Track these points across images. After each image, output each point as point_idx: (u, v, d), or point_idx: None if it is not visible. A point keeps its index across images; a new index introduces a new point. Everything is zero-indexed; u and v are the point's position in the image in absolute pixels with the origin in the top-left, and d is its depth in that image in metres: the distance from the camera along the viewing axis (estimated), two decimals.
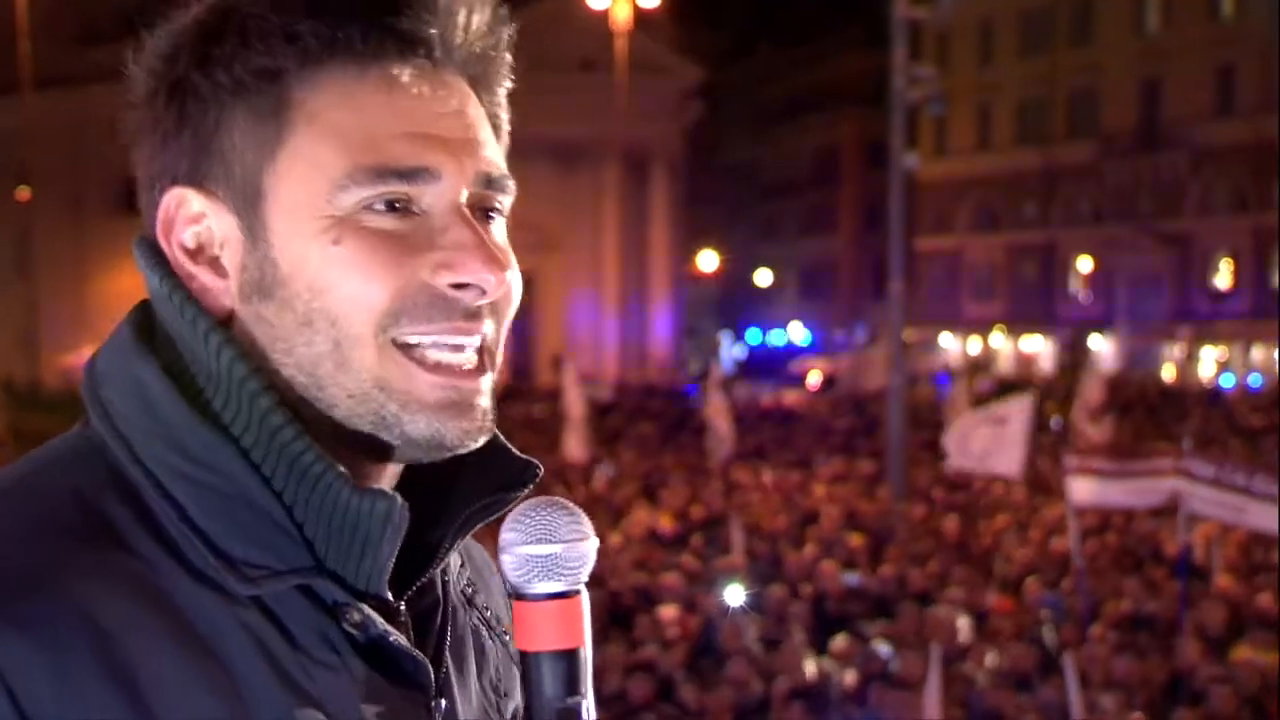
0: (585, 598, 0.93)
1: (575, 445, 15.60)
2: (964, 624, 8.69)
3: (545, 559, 0.91)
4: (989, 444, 12.44)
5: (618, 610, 9.38)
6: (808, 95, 56.30)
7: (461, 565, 1.07)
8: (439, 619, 1.00)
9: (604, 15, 33.99)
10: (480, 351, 0.94)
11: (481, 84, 0.99)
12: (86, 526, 0.86)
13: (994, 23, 46.26)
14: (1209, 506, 9.16)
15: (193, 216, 0.94)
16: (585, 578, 0.93)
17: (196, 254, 0.94)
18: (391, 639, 0.91)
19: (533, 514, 0.93)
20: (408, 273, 0.90)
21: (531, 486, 1.01)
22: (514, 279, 0.95)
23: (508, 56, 1.02)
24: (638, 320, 41.60)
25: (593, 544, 0.94)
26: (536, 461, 1.02)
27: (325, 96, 0.91)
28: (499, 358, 0.96)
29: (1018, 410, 12.63)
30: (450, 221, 0.92)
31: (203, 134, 0.92)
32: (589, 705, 0.92)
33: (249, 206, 0.92)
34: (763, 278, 59.42)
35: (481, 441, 0.94)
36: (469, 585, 1.07)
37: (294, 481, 0.90)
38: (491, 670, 1.05)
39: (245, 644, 0.86)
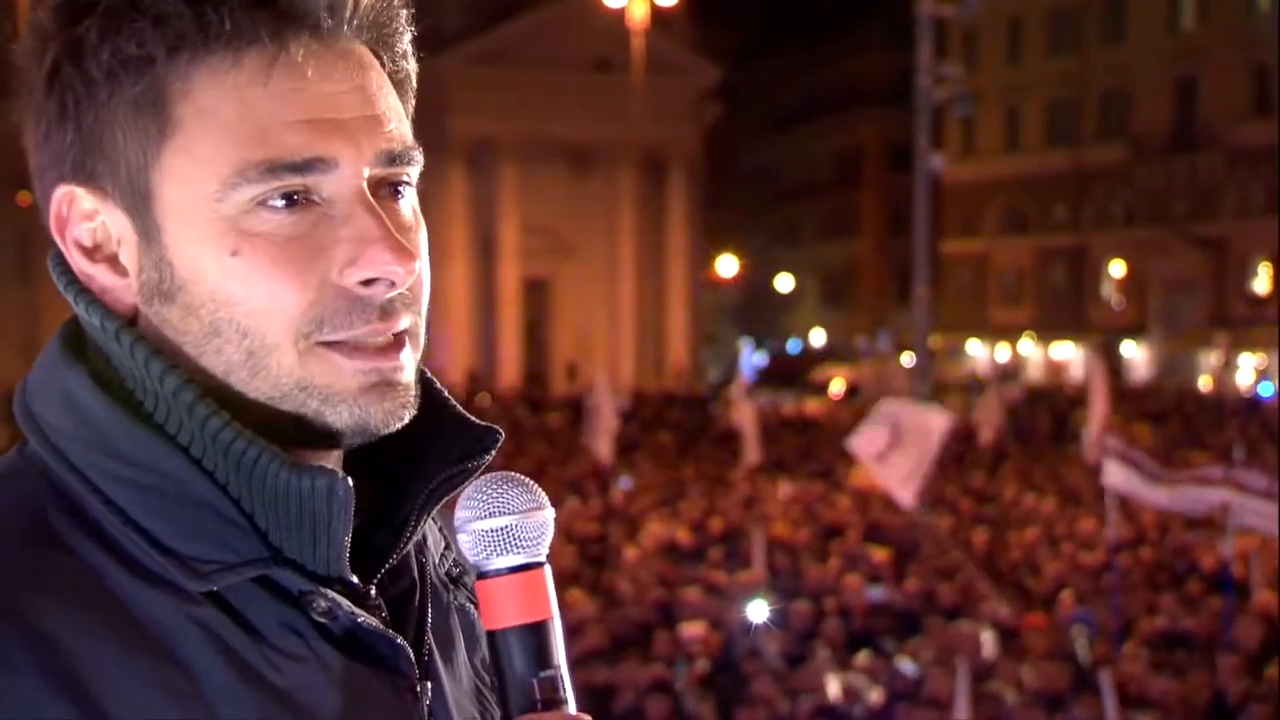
0: (548, 570, 0.92)
1: (604, 449, 15.58)
2: (989, 640, 8.64)
3: (501, 532, 0.91)
4: (890, 450, 11.29)
5: (635, 626, 9.35)
6: (829, 95, 56.26)
7: (446, 547, 1.07)
8: (416, 600, 0.99)
9: (620, 14, 34.03)
10: (398, 335, 0.93)
11: (381, 45, 0.95)
12: (27, 537, 0.86)
13: (1023, 20, 46.15)
14: (1260, 520, 9.06)
15: (85, 214, 0.92)
16: (545, 549, 0.93)
17: (93, 252, 0.92)
18: (362, 622, 0.90)
19: (484, 489, 0.93)
20: (317, 278, 0.89)
21: (493, 452, 1.00)
22: (422, 267, 0.93)
23: (402, 8, 0.96)
24: (654, 327, 41.57)
25: (549, 514, 0.93)
26: (497, 427, 1.01)
27: (205, 86, 0.88)
28: (421, 340, 0.95)
29: (933, 425, 11.38)
30: (352, 210, 0.90)
31: (84, 128, 0.89)
32: (564, 677, 0.91)
33: (139, 206, 0.90)
34: (783, 283, 59.35)
35: (406, 419, 0.93)
36: (455, 565, 1.06)
37: (233, 471, 0.89)
38: (483, 649, 1.03)
39: (203, 642, 0.85)
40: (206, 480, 0.89)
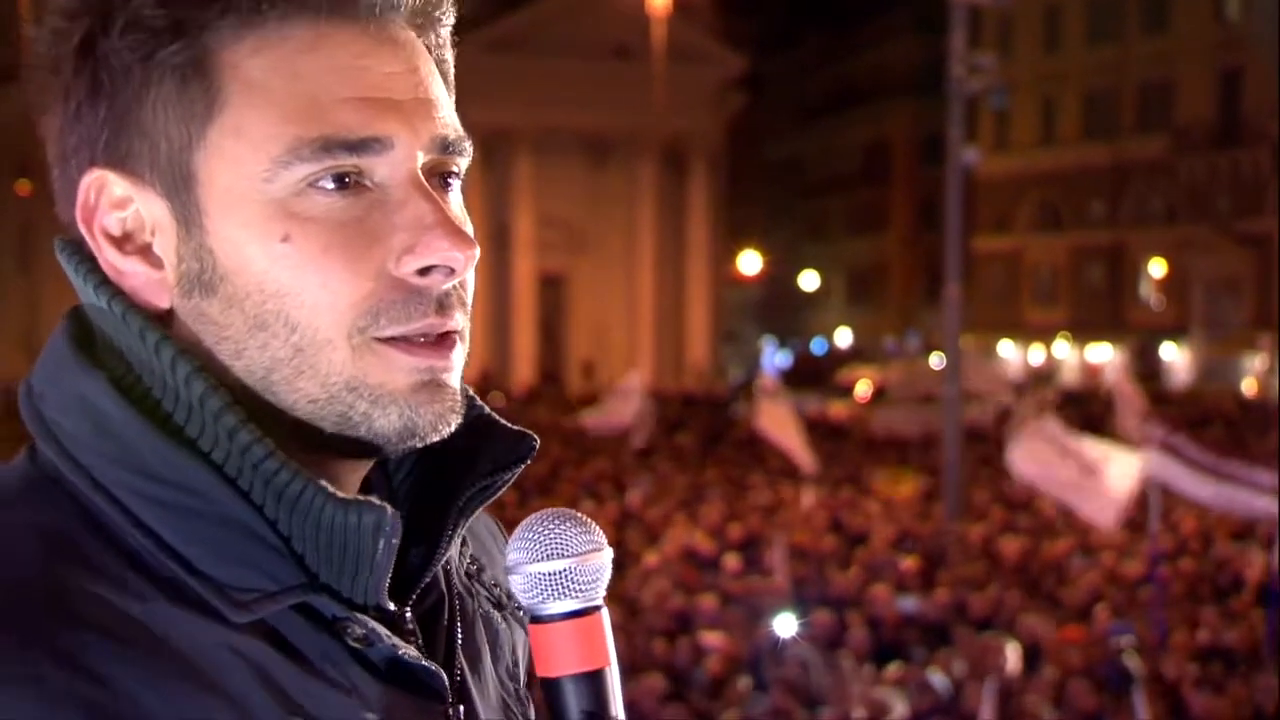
0: (605, 614, 0.91)
1: (640, 435, 15.61)
2: (1014, 653, 8.60)
3: (557, 575, 0.89)
4: (1076, 483, 11.49)
5: (655, 634, 9.35)
6: (857, 85, 56.18)
7: (463, 544, 1.04)
8: (445, 616, 0.97)
9: (640, 0, 34.05)
10: (449, 333, 0.91)
11: (427, 30, 0.94)
12: (57, 562, 0.81)
13: (1060, 7, 45.99)
14: None
15: (116, 201, 0.88)
16: (602, 592, 0.91)
17: (124, 242, 0.89)
18: (403, 654, 0.88)
19: (538, 528, 0.91)
20: (373, 267, 0.86)
21: (529, 460, 0.98)
22: (477, 253, 0.90)
23: None
24: (673, 325, 41.58)
25: (607, 555, 0.91)
26: (532, 434, 0.99)
27: (257, 59, 0.85)
28: (468, 341, 0.93)
29: (1120, 469, 11.04)
30: (408, 195, 0.87)
31: (119, 106, 0.86)
32: None
33: (179, 191, 0.87)
34: (808, 280, 59.29)
35: (454, 426, 0.91)
36: (472, 563, 1.04)
37: (272, 499, 0.85)
38: (507, 656, 1.02)
39: (247, 674, 0.82)
40: (241, 500, 0.85)
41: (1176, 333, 42.66)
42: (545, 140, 38.75)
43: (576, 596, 0.89)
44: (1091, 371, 44.83)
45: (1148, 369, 40.02)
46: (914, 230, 54.34)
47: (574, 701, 0.89)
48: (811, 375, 43.10)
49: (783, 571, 11.00)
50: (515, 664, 1.03)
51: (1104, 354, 45.16)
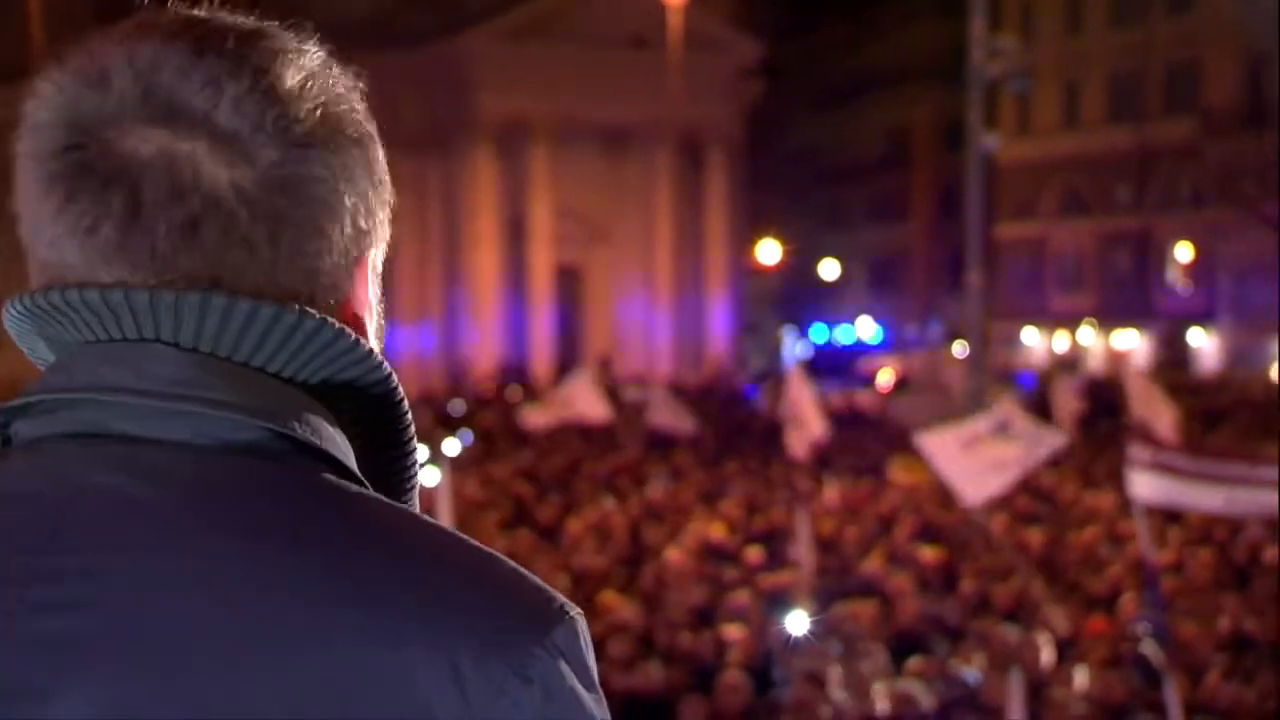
0: None
1: (686, 423, 15.70)
2: (1047, 645, 8.61)
3: None
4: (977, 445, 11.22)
5: (678, 628, 9.38)
6: (876, 71, 55.99)
7: None
8: None
9: None
10: None
11: None
12: None
13: None
14: None
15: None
16: None
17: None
18: None
19: None
20: None
21: None
22: None
23: None
24: (693, 317, 41.55)
25: None
26: None
27: None
28: None
29: (1045, 440, 11.30)
30: None
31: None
32: None
33: None
34: (828, 270, 59.16)
35: None
36: None
37: None
38: None
39: None
40: None
41: (1204, 318, 42.44)
42: (562, 130, 38.73)
43: None
44: (1118, 359, 44.64)
45: (1175, 356, 39.86)
46: (936, 218, 54.17)
47: None
48: (833, 365, 43.04)
49: (806, 563, 11.02)
50: None
51: (1130, 341, 44.96)
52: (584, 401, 18.70)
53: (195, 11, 0.99)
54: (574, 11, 38.51)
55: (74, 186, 0.93)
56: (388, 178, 1.04)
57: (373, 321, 1.04)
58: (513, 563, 0.92)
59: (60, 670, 0.85)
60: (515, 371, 37.04)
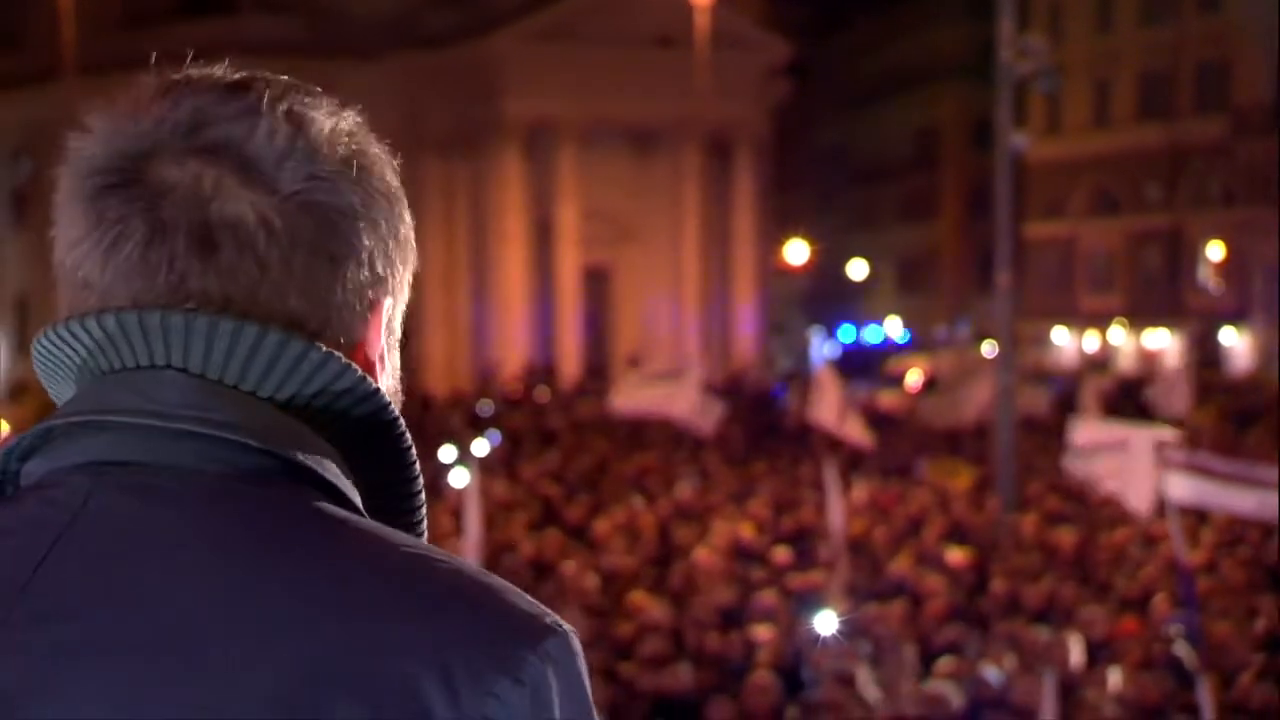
0: None
1: (708, 422, 15.67)
2: (1077, 646, 8.57)
3: None
4: (1113, 468, 11.45)
5: (706, 628, 9.37)
6: (905, 70, 55.82)
7: None
8: None
9: None
10: None
11: None
12: None
13: None
14: None
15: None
16: None
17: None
18: None
19: None
20: None
21: None
22: None
23: None
24: (720, 317, 41.51)
25: None
26: None
27: None
28: None
29: (1142, 441, 11.37)
30: None
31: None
32: None
33: None
34: (857, 270, 59.01)
35: None
36: None
37: None
38: None
39: None
40: None
41: (1236, 318, 42.13)
42: (589, 131, 38.75)
43: None
44: (1149, 358, 44.36)
45: (1208, 355, 39.56)
46: (965, 217, 53.95)
47: None
48: (861, 366, 42.93)
49: (838, 564, 10.99)
50: None
51: (1162, 340, 44.67)
52: (685, 402, 17.88)
53: (238, 72, 1.04)
54: (601, 12, 38.52)
55: (104, 207, 0.97)
56: (414, 242, 1.07)
57: (385, 375, 1.05)
58: (510, 584, 0.95)
59: (58, 677, 0.87)
60: (543, 372, 37.06)
